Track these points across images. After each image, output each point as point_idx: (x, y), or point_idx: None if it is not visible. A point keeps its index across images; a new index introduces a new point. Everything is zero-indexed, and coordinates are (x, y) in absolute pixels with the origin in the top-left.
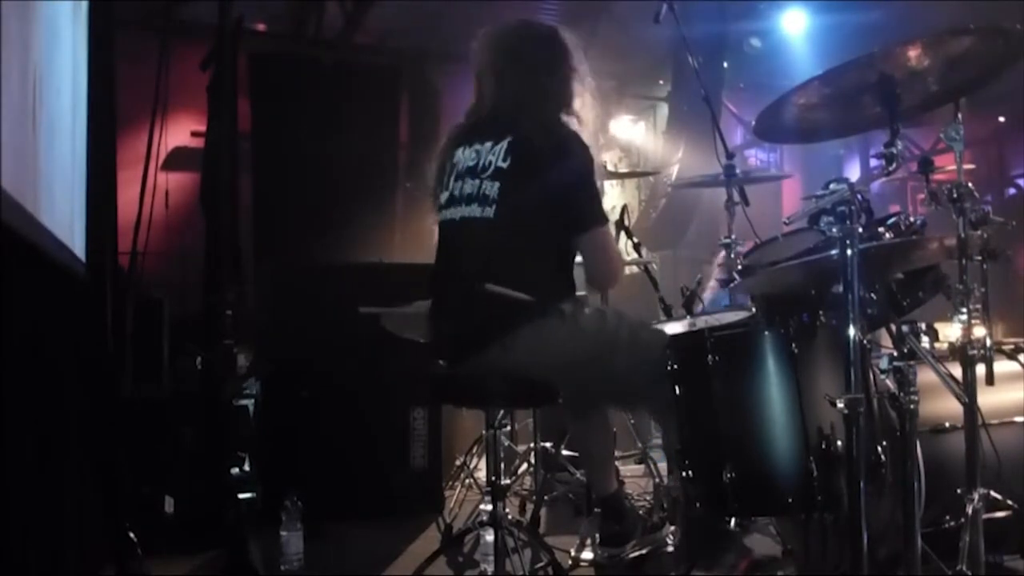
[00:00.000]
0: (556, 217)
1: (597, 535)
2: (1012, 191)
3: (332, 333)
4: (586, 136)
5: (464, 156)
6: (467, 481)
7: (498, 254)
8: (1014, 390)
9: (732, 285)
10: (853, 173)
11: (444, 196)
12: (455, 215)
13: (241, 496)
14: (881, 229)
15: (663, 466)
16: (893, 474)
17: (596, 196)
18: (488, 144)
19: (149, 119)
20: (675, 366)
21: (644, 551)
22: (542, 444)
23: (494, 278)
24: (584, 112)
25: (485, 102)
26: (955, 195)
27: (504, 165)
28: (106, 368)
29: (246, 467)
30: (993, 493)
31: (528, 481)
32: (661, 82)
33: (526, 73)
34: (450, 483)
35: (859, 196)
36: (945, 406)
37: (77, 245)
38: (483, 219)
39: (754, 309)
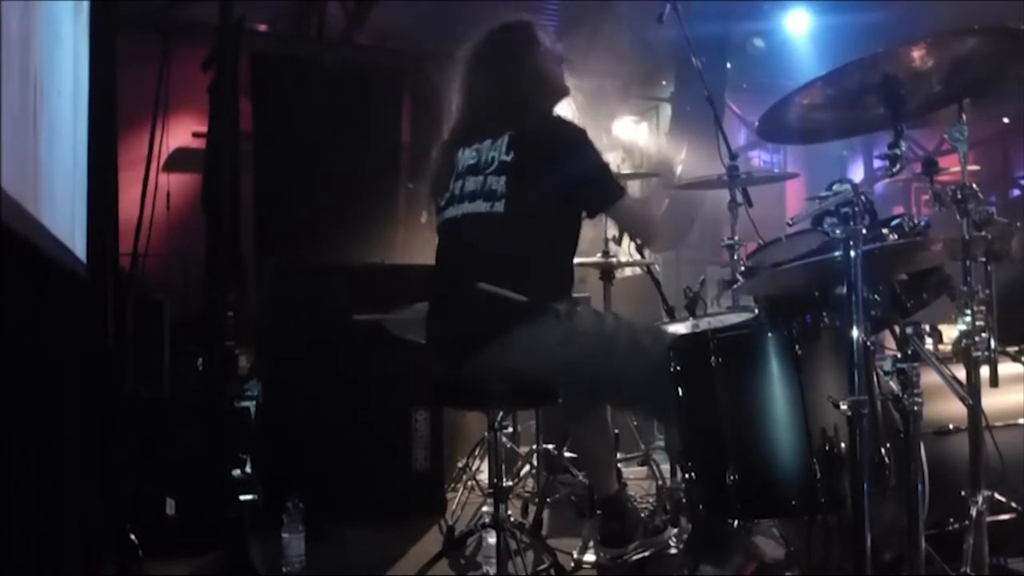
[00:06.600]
0: (572, 202)
1: (599, 537)
2: (1016, 192)
3: (334, 334)
4: (580, 120)
5: (464, 156)
6: (469, 483)
7: (509, 248)
8: (1018, 392)
9: (735, 286)
10: (857, 174)
11: (444, 197)
12: (457, 212)
13: (242, 498)
14: (885, 230)
15: (666, 468)
16: (897, 476)
17: (608, 170)
18: (488, 142)
19: (150, 120)
20: (678, 368)
21: (646, 553)
22: (544, 446)
23: (502, 273)
24: (577, 97)
25: (474, 105)
26: (959, 196)
27: (508, 158)
28: (107, 369)
29: (247, 469)
30: (997, 495)
31: (530, 483)
32: (664, 83)
33: (510, 69)
34: (452, 485)
35: (863, 197)
36: (949, 408)
37: (78, 246)
38: (492, 214)
39: (757, 310)
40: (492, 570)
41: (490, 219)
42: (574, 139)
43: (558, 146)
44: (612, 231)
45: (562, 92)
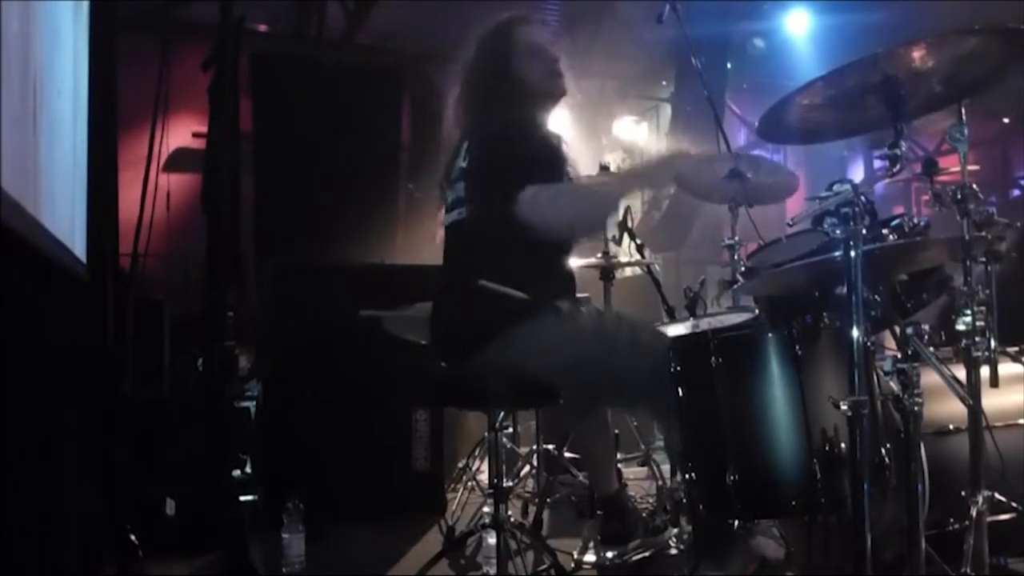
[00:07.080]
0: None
1: (599, 536)
2: (1016, 192)
3: (334, 335)
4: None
5: (455, 166)
6: (469, 483)
7: (478, 252)
8: (1018, 392)
9: (736, 287)
10: (857, 174)
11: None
12: (447, 221)
13: (242, 498)
14: (885, 231)
15: (666, 468)
16: (897, 476)
17: (515, 163)
18: (462, 150)
19: (150, 120)
20: (678, 368)
21: (647, 553)
22: (544, 446)
23: (480, 277)
24: (576, 97)
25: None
26: (959, 196)
27: (464, 164)
28: (107, 369)
29: (247, 469)
30: (997, 495)
31: (531, 483)
32: (664, 83)
33: (474, 78)
34: (452, 485)
35: (863, 197)
36: (949, 408)
37: (78, 246)
38: (460, 220)
39: (757, 310)
40: (492, 570)
41: (462, 225)
42: (499, 135)
43: (490, 145)
44: (612, 231)
45: (544, 92)
